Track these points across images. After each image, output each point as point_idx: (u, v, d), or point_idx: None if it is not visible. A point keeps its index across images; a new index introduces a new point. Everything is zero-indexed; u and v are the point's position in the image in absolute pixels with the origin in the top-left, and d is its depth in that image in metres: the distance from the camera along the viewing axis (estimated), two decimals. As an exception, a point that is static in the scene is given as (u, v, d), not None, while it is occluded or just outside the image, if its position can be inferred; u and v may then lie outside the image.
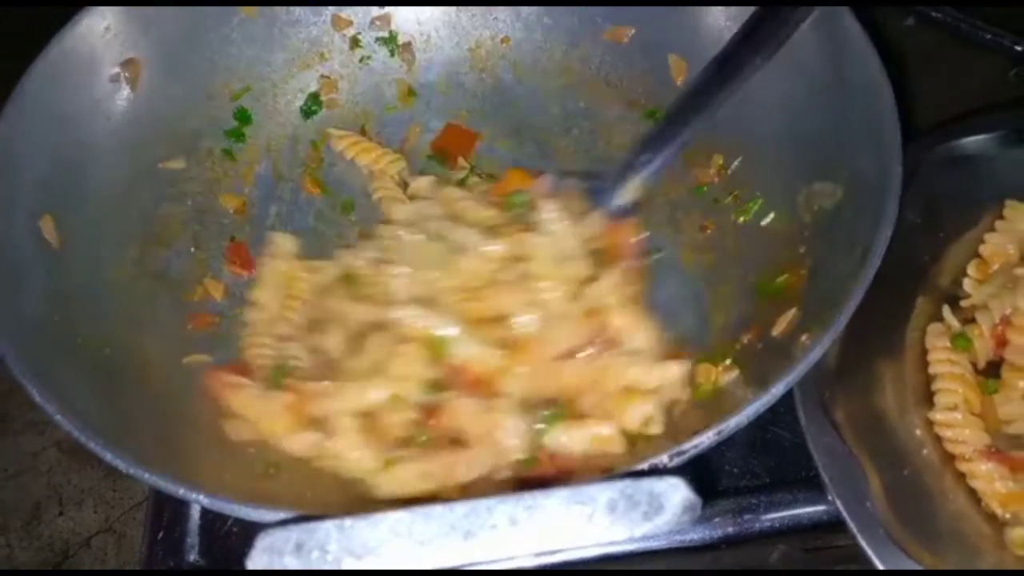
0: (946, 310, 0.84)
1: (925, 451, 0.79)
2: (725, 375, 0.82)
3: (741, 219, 0.95)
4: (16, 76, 0.88)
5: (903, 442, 0.79)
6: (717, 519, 0.85)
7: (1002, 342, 0.82)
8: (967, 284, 0.87)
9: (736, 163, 0.98)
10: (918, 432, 0.80)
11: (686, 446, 0.69)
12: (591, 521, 0.56)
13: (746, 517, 0.85)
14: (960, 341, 0.83)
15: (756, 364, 0.81)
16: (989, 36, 1.11)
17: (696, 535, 0.84)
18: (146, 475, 0.70)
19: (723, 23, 0.99)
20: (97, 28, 0.93)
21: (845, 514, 0.71)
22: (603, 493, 0.57)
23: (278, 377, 0.87)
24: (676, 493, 0.57)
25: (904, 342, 0.84)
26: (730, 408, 0.71)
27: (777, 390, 0.70)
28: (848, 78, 0.85)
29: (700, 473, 0.87)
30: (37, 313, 0.81)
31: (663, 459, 0.69)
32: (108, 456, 0.70)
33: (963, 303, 0.87)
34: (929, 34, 1.13)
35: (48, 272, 0.84)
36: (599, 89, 1.08)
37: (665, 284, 0.95)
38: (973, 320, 0.84)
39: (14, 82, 0.87)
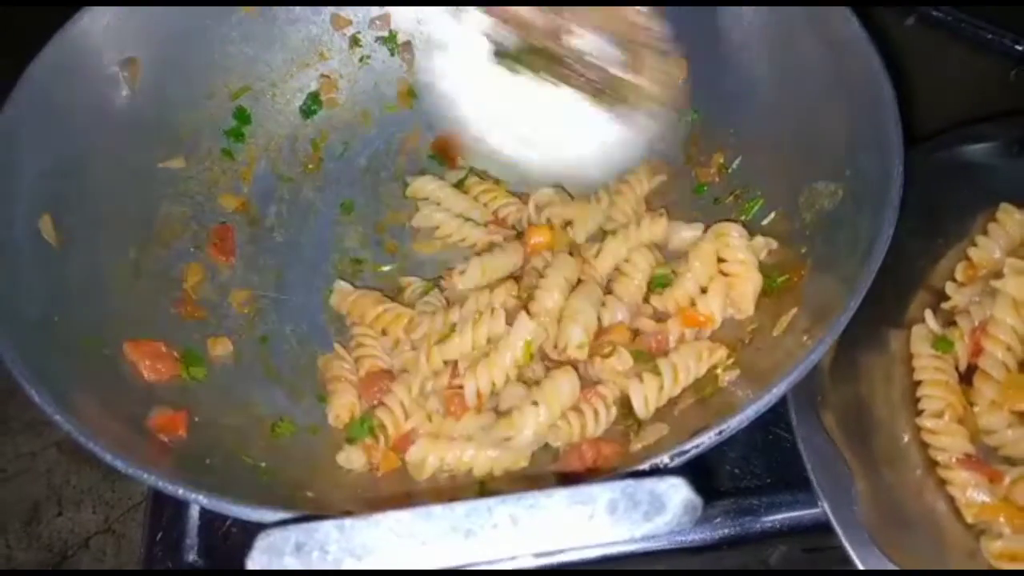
0: (928, 314, 0.84)
1: (912, 456, 0.79)
2: (726, 375, 0.81)
3: (742, 219, 0.95)
4: (15, 75, 0.88)
5: (891, 447, 0.80)
6: (718, 519, 0.85)
7: (977, 350, 0.82)
8: (949, 287, 0.87)
9: (737, 162, 0.98)
10: (906, 437, 0.80)
11: (687, 446, 0.69)
12: (592, 521, 0.56)
13: (746, 518, 0.85)
14: (941, 344, 0.82)
15: (757, 364, 0.81)
16: (990, 36, 1.10)
17: (697, 535, 0.84)
18: (145, 475, 0.69)
19: (724, 21, 0.98)
20: (97, 27, 0.93)
21: (831, 516, 0.73)
22: (604, 493, 0.57)
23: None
24: (677, 493, 0.57)
25: (895, 345, 0.85)
26: (731, 408, 0.71)
27: (778, 390, 0.70)
28: (850, 78, 0.85)
29: (701, 473, 0.87)
30: (36, 313, 0.81)
31: (664, 459, 0.69)
32: (107, 457, 0.70)
33: (943, 305, 0.87)
34: (930, 34, 1.13)
35: (47, 272, 0.84)
36: (599, 89, 1.08)
37: (666, 284, 0.95)
38: (955, 323, 0.84)
39: (13, 81, 0.87)
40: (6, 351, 0.74)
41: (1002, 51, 1.10)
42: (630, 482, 0.57)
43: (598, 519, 0.56)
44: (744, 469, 0.89)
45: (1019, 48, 1.09)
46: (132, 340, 0.86)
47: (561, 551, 0.58)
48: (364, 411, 0.87)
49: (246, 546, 0.56)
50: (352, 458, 0.83)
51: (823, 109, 0.88)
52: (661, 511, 0.56)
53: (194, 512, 0.90)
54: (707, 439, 0.69)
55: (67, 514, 1.73)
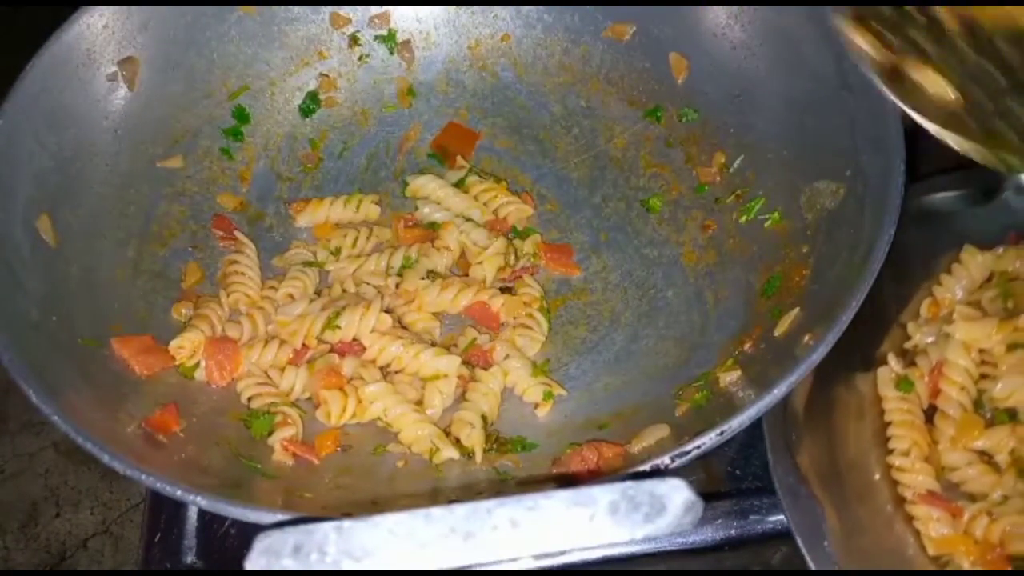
0: (890, 356, 0.87)
1: (882, 493, 0.82)
2: (727, 376, 0.81)
3: (743, 218, 0.95)
4: (14, 75, 0.87)
5: (863, 483, 0.82)
6: (719, 521, 0.84)
7: (935, 390, 0.84)
8: (910, 326, 0.89)
9: (738, 162, 0.98)
10: (877, 475, 0.83)
11: (688, 447, 0.69)
12: (592, 522, 0.56)
13: (748, 519, 0.84)
14: (903, 384, 0.85)
15: (758, 364, 0.81)
16: (991, 35, 1.11)
17: (698, 537, 0.84)
18: (143, 476, 0.69)
19: (724, 21, 0.98)
20: (95, 27, 0.93)
21: (805, 552, 0.76)
22: (604, 494, 0.56)
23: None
24: (678, 494, 0.56)
25: (865, 386, 0.87)
26: (732, 409, 0.71)
27: (780, 391, 0.70)
28: (850, 76, 0.85)
29: (702, 474, 0.87)
30: (34, 313, 0.80)
31: (665, 460, 0.69)
32: (105, 457, 0.70)
33: (905, 345, 0.89)
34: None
35: (45, 272, 0.84)
36: (599, 87, 1.08)
37: (667, 284, 0.95)
38: (915, 364, 0.86)
39: (12, 81, 0.87)
40: (4, 351, 0.74)
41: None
42: (630, 483, 0.57)
43: (598, 520, 0.56)
44: (745, 470, 0.88)
45: (1020, 47, 1.09)
46: (119, 336, 0.86)
47: (562, 553, 0.58)
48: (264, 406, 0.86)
49: (244, 547, 0.56)
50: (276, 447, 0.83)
51: (824, 108, 0.88)
52: (662, 512, 0.56)
53: (192, 513, 0.90)
54: (708, 440, 0.69)
55: (65, 515, 1.73)
